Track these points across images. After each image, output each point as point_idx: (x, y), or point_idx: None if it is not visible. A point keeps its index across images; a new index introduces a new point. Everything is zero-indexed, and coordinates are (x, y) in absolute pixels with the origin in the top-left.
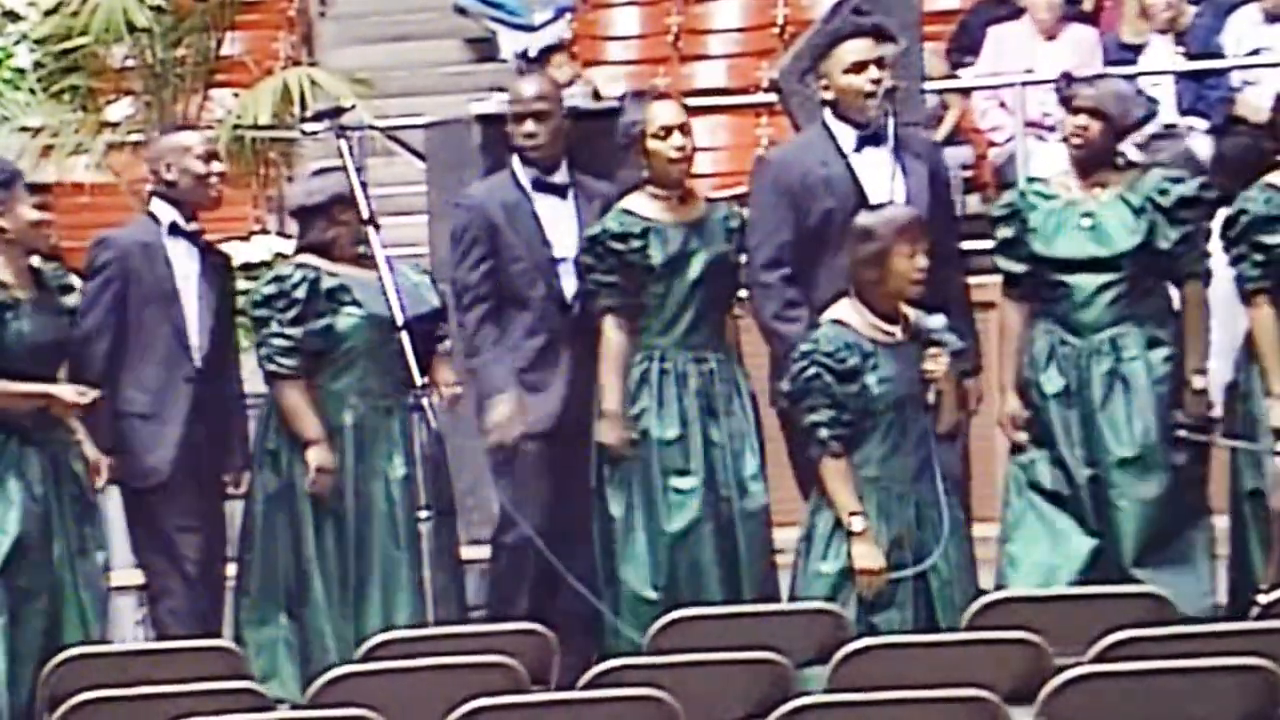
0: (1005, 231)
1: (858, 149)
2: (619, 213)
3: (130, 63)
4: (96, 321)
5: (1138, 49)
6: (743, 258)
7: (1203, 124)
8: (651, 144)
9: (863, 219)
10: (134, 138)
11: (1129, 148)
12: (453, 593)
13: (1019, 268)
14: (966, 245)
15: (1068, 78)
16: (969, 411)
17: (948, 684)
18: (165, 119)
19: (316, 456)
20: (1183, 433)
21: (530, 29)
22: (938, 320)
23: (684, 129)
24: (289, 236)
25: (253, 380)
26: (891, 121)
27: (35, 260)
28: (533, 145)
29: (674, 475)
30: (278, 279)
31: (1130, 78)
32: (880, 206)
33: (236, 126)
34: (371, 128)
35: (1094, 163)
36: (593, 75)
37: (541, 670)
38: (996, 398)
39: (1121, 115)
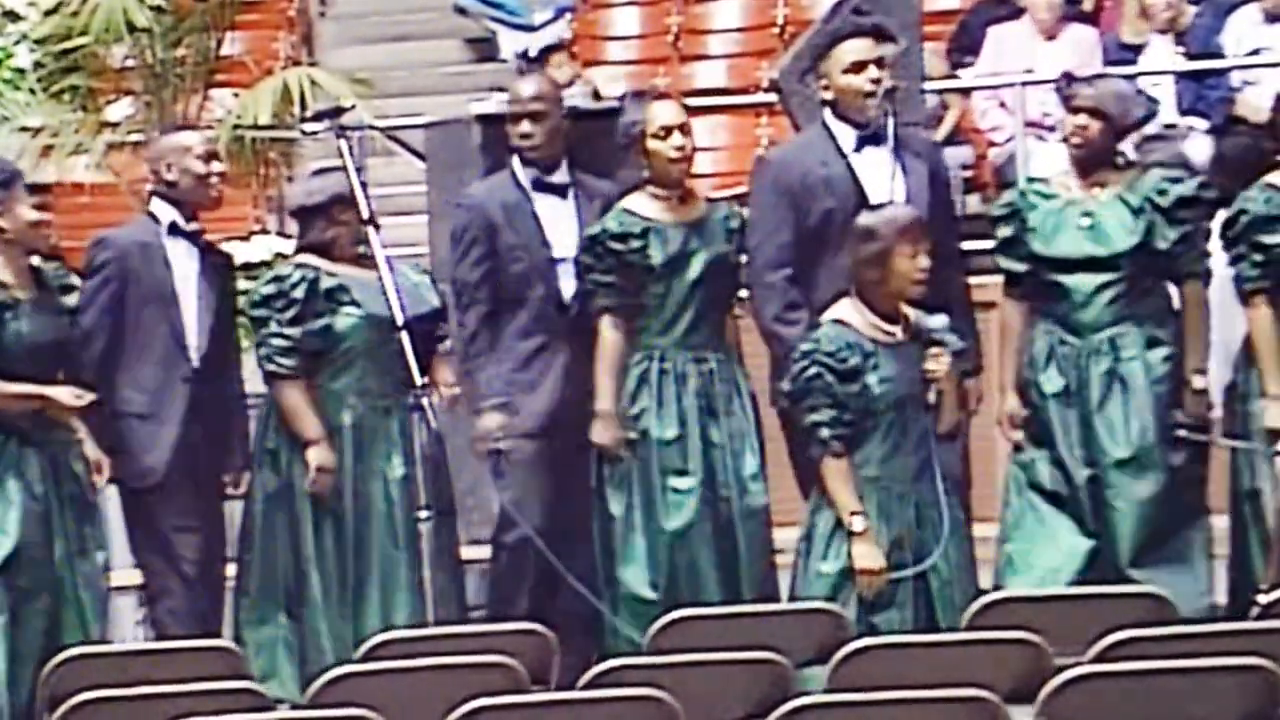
0: (1005, 231)
1: (858, 149)
2: (619, 212)
3: (130, 63)
4: (92, 321)
5: (1138, 49)
6: (743, 258)
7: (1203, 124)
8: (651, 144)
9: (864, 219)
10: (134, 138)
11: (1125, 148)
12: (453, 593)
13: (1019, 267)
14: (966, 245)
15: (1068, 77)
16: (969, 411)
17: (948, 684)
18: (165, 119)
19: (317, 456)
20: (1183, 433)
21: (530, 29)
22: (939, 320)
23: (684, 129)
24: (289, 236)
25: (254, 380)
26: (891, 121)
27: (36, 260)
28: (529, 145)
29: (673, 475)
30: (276, 279)
31: (1130, 78)
32: (881, 206)
33: (236, 126)
34: (371, 128)
35: (1094, 162)
36: (593, 75)
37: (541, 670)
38: (996, 397)
39: (1121, 115)
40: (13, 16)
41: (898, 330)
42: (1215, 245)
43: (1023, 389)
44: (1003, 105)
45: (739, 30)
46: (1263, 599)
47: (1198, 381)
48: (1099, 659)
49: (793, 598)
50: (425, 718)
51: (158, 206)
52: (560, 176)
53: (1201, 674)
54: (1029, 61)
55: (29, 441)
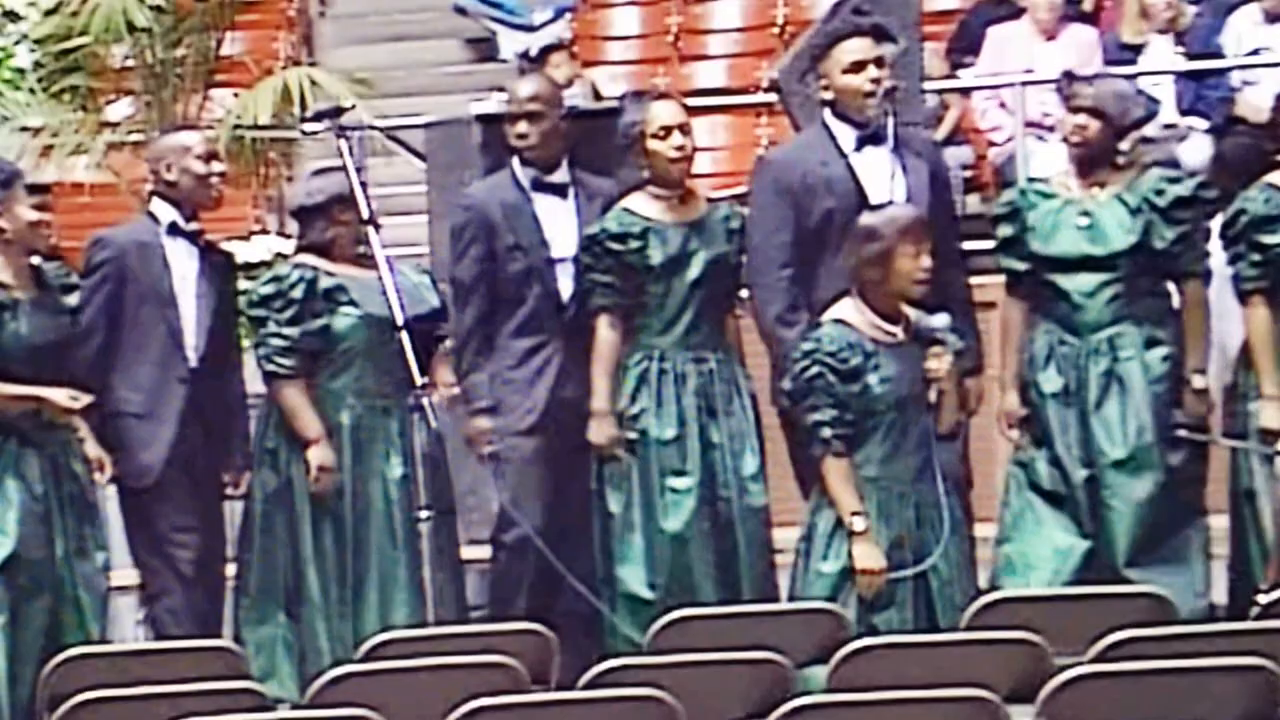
0: (1005, 230)
1: (858, 149)
2: (619, 212)
3: (130, 63)
4: (88, 320)
5: (1138, 49)
6: (743, 258)
7: (1203, 124)
8: (651, 144)
9: (866, 219)
10: (134, 138)
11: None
12: (452, 593)
13: (1020, 266)
14: (967, 245)
15: (1069, 76)
16: (969, 411)
17: (948, 684)
18: (165, 119)
19: (318, 456)
20: (1182, 432)
21: (530, 29)
22: (941, 319)
23: (684, 129)
24: (289, 236)
25: (255, 380)
26: (891, 121)
27: (37, 260)
28: (525, 146)
29: (671, 475)
30: (275, 279)
31: (1130, 78)
32: (883, 206)
33: (236, 126)
34: (371, 128)
35: (1093, 162)
36: (593, 75)
37: (541, 670)
38: (998, 396)
39: (1121, 115)
40: (13, 16)
41: (899, 330)
42: (1215, 245)
43: (1023, 388)
44: (1003, 105)
45: (739, 30)
46: (1263, 599)
47: (1198, 381)
48: (1099, 659)
49: (792, 598)
50: (425, 718)
51: (157, 206)
52: (560, 176)
53: (1201, 674)
54: (1029, 61)
55: (29, 442)
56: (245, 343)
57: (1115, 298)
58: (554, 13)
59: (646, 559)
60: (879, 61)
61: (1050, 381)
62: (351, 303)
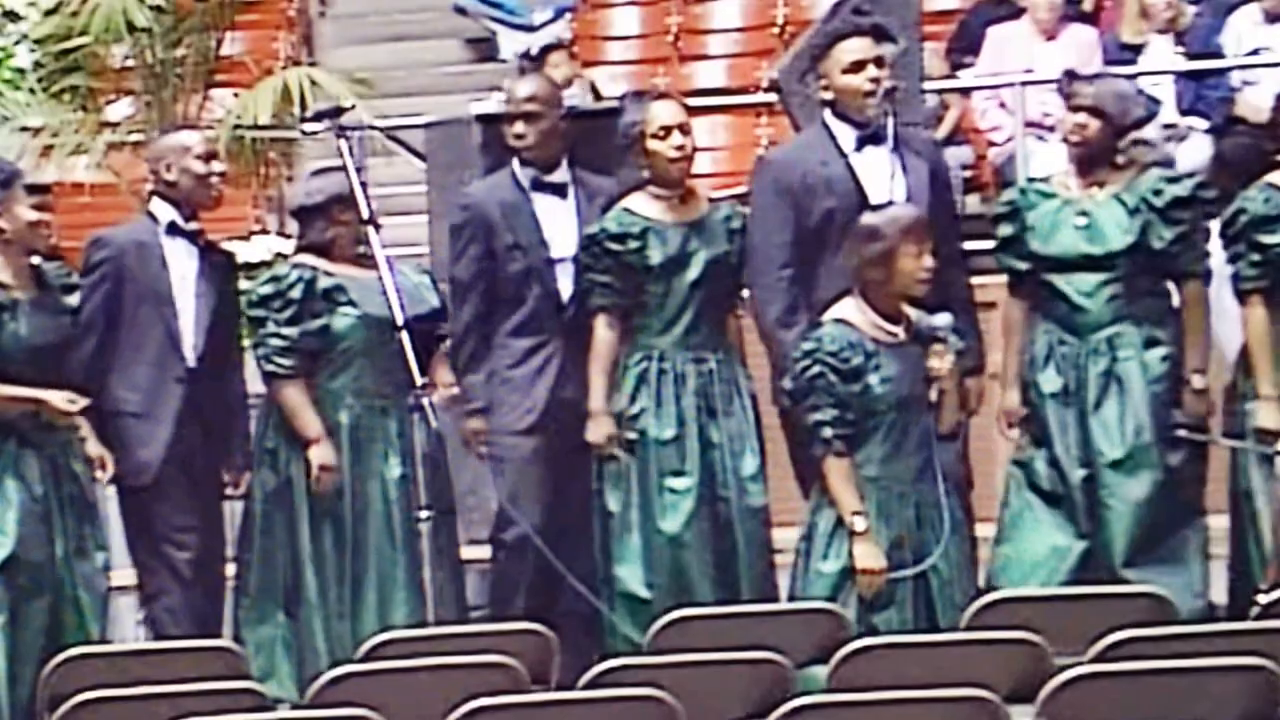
0: (1006, 230)
1: (858, 149)
2: (619, 212)
3: (130, 63)
4: (86, 320)
5: (1138, 49)
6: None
7: (1203, 124)
8: (651, 144)
9: (869, 218)
10: (134, 138)
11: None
12: (452, 593)
13: (1020, 266)
14: (967, 245)
15: (1070, 75)
16: (970, 411)
17: (948, 684)
18: (165, 119)
19: (319, 455)
20: (1182, 432)
21: (530, 29)
22: (943, 318)
23: (684, 129)
24: (289, 236)
25: (256, 380)
26: (891, 121)
27: (38, 260)
28: (523, 146)
29: (670, 476)
30: (274, 279)
31: (1130, 78)
32: (884, 206)
33: (236, 126)
34: (371, 128)
35: (1093, 161)
36: (593, 75)
37: (541, 670)
38: (998, 396)
39: (1121, 114)
40: (13, 16)
41: (900, 330)
42: (1215, 245)
43: (1023, 388)
44: (1003, 105)
45: (739, 30)
46: (1263, 599)
47: (1197, 381)
48: (1099, 659)
49: (792, 597)
50: (425, 718)
51: (157, 206)
52: (559, 176)
53: (1201, 674)
54: (1029, 61)
55: (28, 442)
56: (246, 342)
57: (1114, 298)
58: (554, 13)
59: (644, 559)
60: (879, 61)
61: (1050, 381)
62: (350, 303)
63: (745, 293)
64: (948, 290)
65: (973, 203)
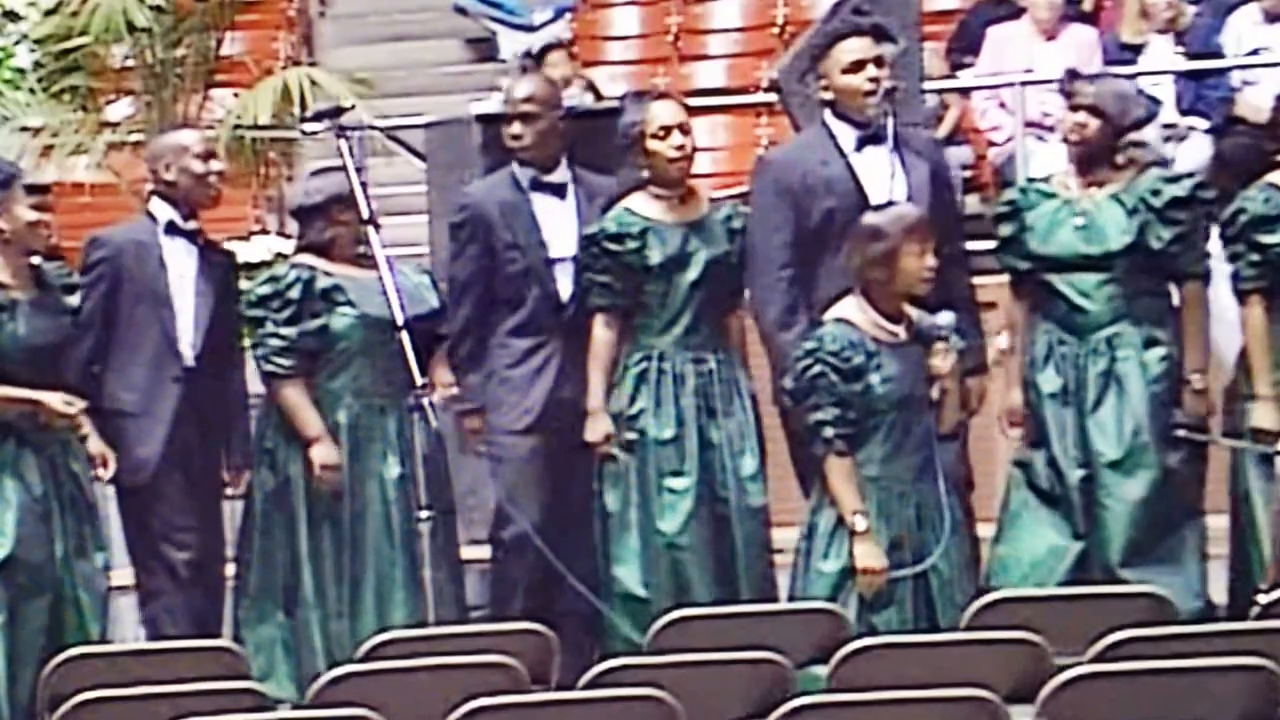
0: (1006, 230)
1: (858, 149)
2: (619, 212)
3: (130, 63)
4: (84, 319)
5: (1138, 49)
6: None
7: (1203, 124)
8: (651, 144)
9: (871, 218)
10: (134, 138)
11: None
12: (452, 593)
13: (1021, 265)
14: (966, 245)
15: (1071, 74)
16: (971, 411)
17: (948, 684)
18: (165, 119)
19: (321, 454)
20: (1182, 432)
21: (530, 29)
22: (946, 317)
23: (684, 128)
24: (289, 236)
25: (257, 379)
26: (891, 121)
27: (38, 260)
28: (520, 147)
29: (669, 476)
30: (273, 279)
31: (1130, 78)
32: (886, 206)
33: (236, 126)
34: (371, 128)
35: (1092, 161)
36: (593, 75)
37: (541, 670)
38: (998, 396)
39: (1120, 114)
40: (13, 16)
41: (901, 330)
42: (1214, 247)
43: (1023, 388)
44: (1002, 105)
45: (739, 30)
46: (1263, 599)
47: (1197, 381)
48: (1099, 659)
49: (792, 597)
50: (425, 718)
51: (156, 206)
52: (558, 176)
53: (1201, 674)
54: (1029, 61)
55: (27, 443)
56: (247, 342)
57: (1113, 298)
58: (554, 13)
59: (642, 559)
60: (878, 61)
61: (1049, 381)
62: (349, 303)
63: (746, 293)
64: (949, 290)
65: (972, 203)
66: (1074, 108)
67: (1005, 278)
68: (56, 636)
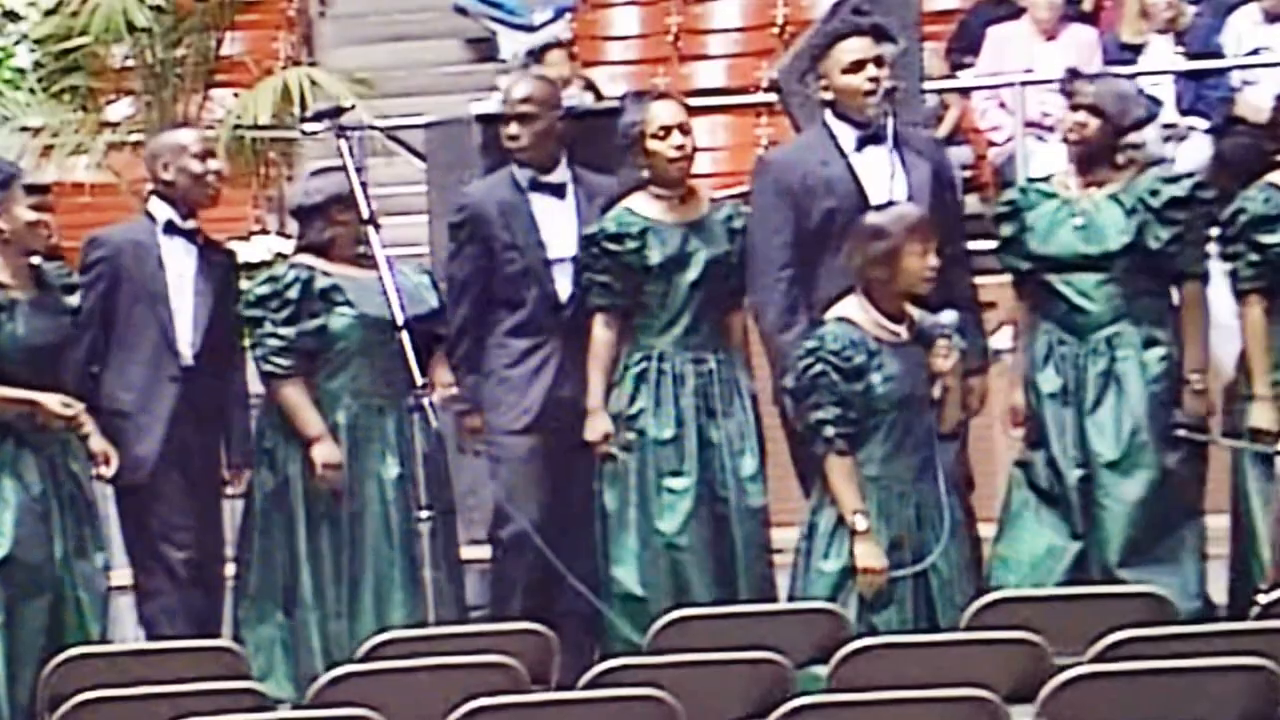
0: (1007, 230)
1: (858, 149)
2: (620, 212)
3: (130, 63)
4: (82, 319)
5: (1138, 49)
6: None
7: (1203, 124)
8: (651, 144)
9: (873, 218)
10: (134, 138)
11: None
12: (452, 593)
13: (1022, 265)
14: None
15: (1073, 73)
16: (972, 411)
17: (948, 684)
18: (165, 119)
19: (323, 453)
20: (1182, 432)
21: (530, 29)
22: (948, 315)
23: (683, 128)
24: (289, 236)
25: (257, 379)
26: (891, 121)
27: (38, 260)
28: (516, 147)
29: (668, 476)
30: (271, 279)
31: (1130, 77)
32: (887, 205)
33: (236, 126)
34: (371, 128)
35: (1092, 161)
36: (593, 75)
37: (541, 670)
38: (999, 395)
39: (1120, 114)
40: (13, 16)
41: (902, 329)
42: (1211, 249)
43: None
44: (1002, 105)
45: (739, 30)
46: (1263, 599)
47: (1197, 381)
48: (1098, 659)
49: (793, 597)
50: (425, 718)
51: (155, 205)
52: (557, 176)
53: (1201, 674)
54: (1029, 61)
55: (26, 443)
56: (249, 341)
57: (1113, 298)
58: (554, 13)
59: (640, 559)
60: (878, 61)
61: (1049, 381)
62: (347, 303)
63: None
64: (951, 290)
65: (972, 203)
66: (1074, 107)
67: (1005, 278)
68: (56, 636)
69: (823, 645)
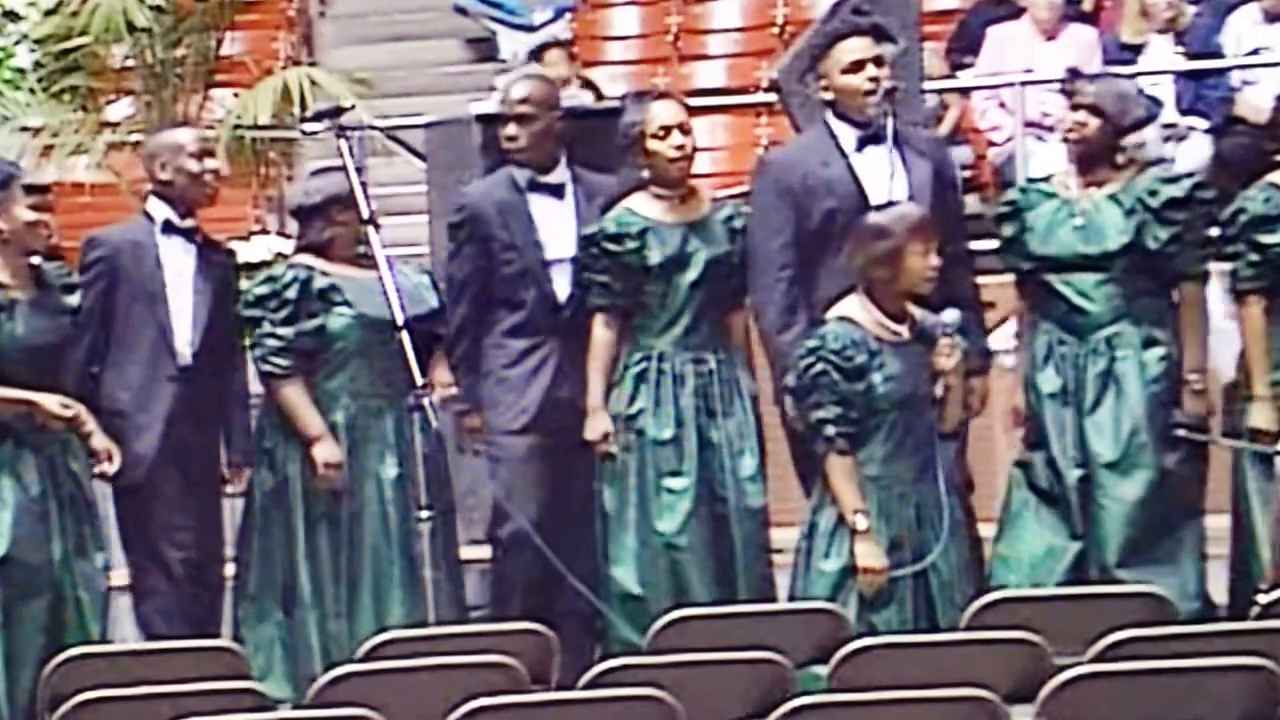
0: (1007, 230)
1: (859, 149)
2: (620, 212)
3: (130, 63)
4: (80, 319)
5: (1138, 49)
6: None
7: (1203, 124)
8: (651, 144)
9: (875, 217)
10: (134, 138)
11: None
12: (452, 593)
13: (1022, 265)
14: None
15: (1073, 73)
16: (973, 411)
17: (948, 684)
18: (165, 119)
19: (323, 453)
20: (1182, 432)
21: (530, 29)
22: (951, 314)
23: (684, 128)
24: (289, 236)
25: (257, 378)
26: (891, 121)
27: (38, 260)
28: (514, 148)
29: (667, 476)
30: (270, 279)
31: (1130, 77)
32: (888, 205)
33: (236, 126)
34: (371, 128)
35: (1092, 160)
36: (593, 75)
37: (541, 670)
38: (1000, 395)
39: (1120, 114)
40: (13, 16)
41: (904, 329)
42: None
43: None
44: (1002, 105)
45: (739, 30)
46: (1263, 599)
47: (1196, 381)
48: (1099, 659)
49: (793, 596)
50: (425, 718)
51: (153, 205)
52: (556, 177)
53: (1201, 674)
54: (1029, 61)
55: (25, 443)
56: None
57: (1113, 298)
58: (554, 13)
59: (639, 559)
60: (878, 61)
61: (1049, 381)
62: (346, 303)
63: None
64: (952, 289)
65: (972, 203)
66: (1074, 107)
67: (1005, 278)
68: (56, 636)
69: (823, 645)
